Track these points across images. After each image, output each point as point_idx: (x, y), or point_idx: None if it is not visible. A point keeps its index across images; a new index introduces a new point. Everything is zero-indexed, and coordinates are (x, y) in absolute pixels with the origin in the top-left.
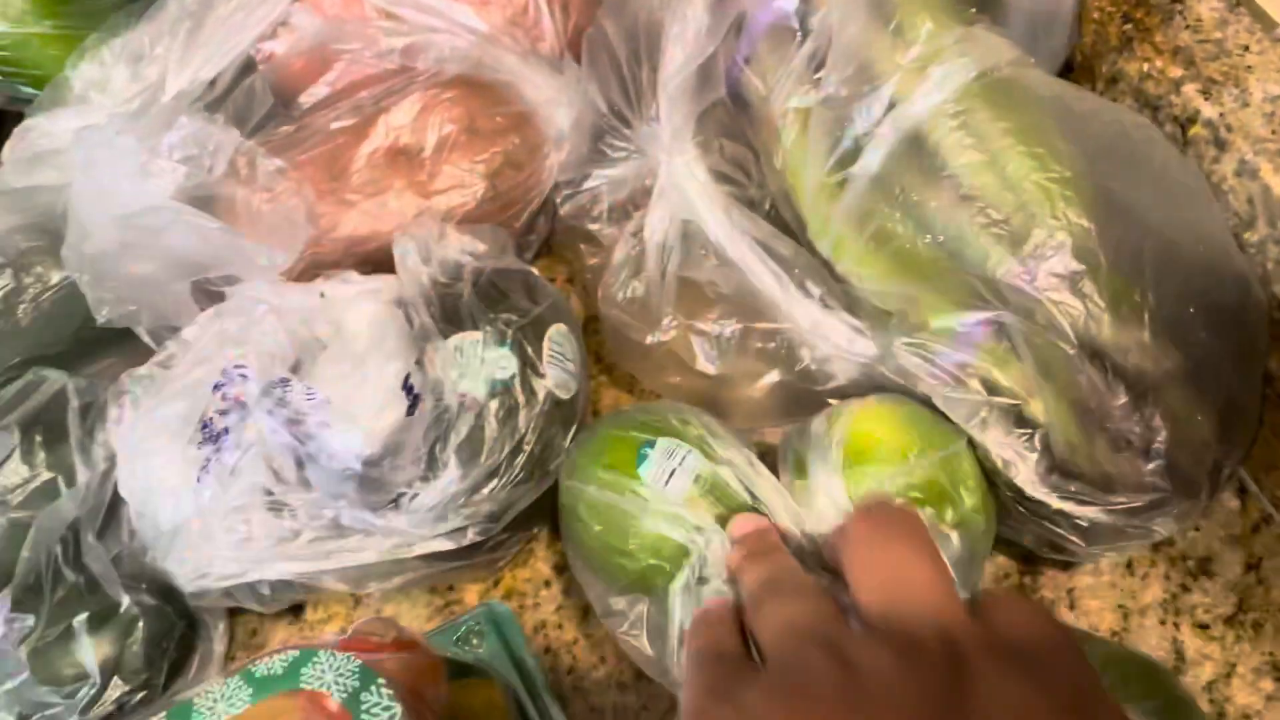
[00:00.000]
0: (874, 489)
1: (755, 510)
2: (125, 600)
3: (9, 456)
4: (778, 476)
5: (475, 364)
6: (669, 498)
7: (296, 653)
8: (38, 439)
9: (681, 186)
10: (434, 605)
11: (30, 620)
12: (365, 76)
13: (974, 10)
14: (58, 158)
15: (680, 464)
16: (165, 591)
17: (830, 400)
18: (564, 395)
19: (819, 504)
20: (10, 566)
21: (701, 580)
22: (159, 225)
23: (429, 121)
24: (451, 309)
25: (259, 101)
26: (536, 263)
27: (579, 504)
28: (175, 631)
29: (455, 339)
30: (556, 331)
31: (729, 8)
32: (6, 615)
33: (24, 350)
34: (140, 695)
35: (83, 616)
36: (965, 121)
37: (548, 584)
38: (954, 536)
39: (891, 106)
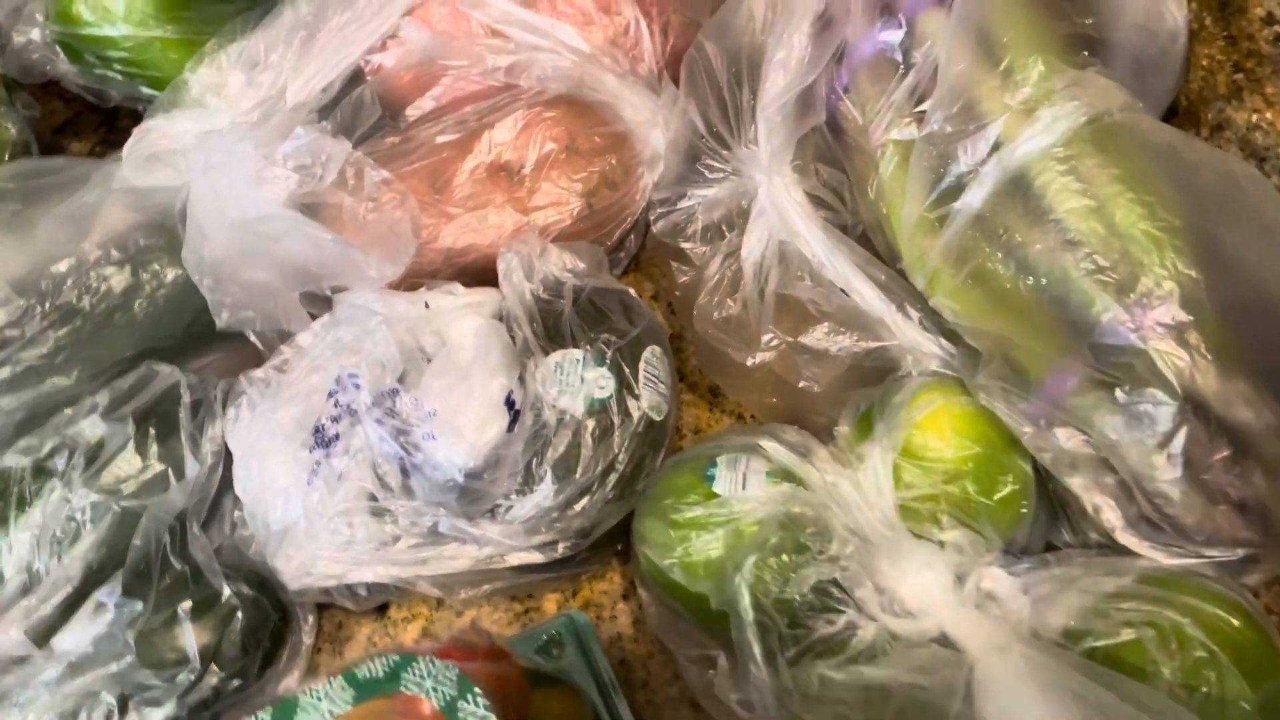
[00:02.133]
0: (916, 483)
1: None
2: (226, 591)
3: (124, 447)
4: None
5: (575, 381)
6: (754, 496)
7: (397, 657)
8: (151, 432)
9: (780, 207)
10: (513, 611)
11: (139, 605)
12: (470, 92)
13: (1085, 53)
14: (175, 158)
15: (748, 467)
16: (262, 584)
17: None
18: (656, 417)
19: (866, 473)
20: (121, 553)
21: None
22: (275, 233)
23: (531, 139)
24: (552, 325)
25: (367, 112)
26: (623, 278)
27: (659, 546)
28: (270, 623)
29: (556, 355)
30: (651, 353)
31: (832, 37)
32: (117, 600)
33: (138, 343)
34: (235, 682)
35: (186, 604)
36: (1074, 166)
37: (625, 597)
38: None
39: (997, 146)
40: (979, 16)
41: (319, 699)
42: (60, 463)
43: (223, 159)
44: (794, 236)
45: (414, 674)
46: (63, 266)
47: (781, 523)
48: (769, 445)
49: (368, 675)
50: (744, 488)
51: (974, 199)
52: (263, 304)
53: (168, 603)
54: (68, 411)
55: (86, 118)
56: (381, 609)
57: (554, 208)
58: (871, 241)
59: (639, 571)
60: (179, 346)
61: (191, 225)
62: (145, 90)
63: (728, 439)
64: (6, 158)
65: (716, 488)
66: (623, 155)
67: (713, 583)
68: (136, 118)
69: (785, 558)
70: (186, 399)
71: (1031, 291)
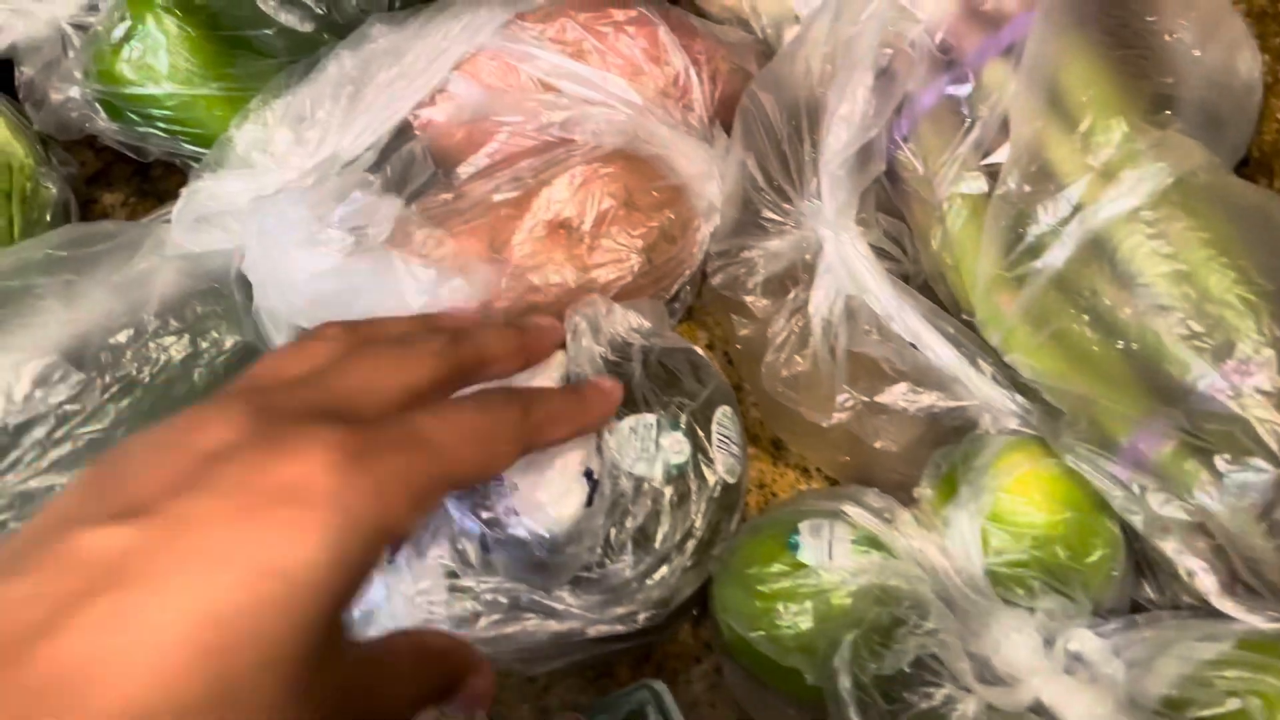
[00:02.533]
0: (1005, 548)
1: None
2: None
3: None
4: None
5: (651, 447)
6: (844, 567)
7: None
8: None
9: (848, 264)
10: (586, 677)
11: None
12: (524, 148)
13: (1166, 112)
14: (224, 219)
15: (832, 535)
16: None
17: None
18: (731, 480)
19: (953, 537)
20: None
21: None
22: (351, 288)
23: (589, 195)
24: (624, 389)
25: (419, 168)
26: (677, 328)
27: (744, 617)
28: None
29: (630, 420)
30: (723, 414)
31: (893, 89)
32: None
33: None
34: None
35: None
36: (1162, 229)
37: (698, 660)
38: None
39: (1079, 207)
40: (1049, 73)
41: None
42: None
43: (276, 223)
44: (863, 292)
45: None
46: (121, 338)
47: (877, 596)
48: (853, 511)
49: None
50: (831, 557)
51: (1055, 259)
52: None
53: None
54: None
55: (119, 168)
56: None
57: (614, 265)
58: (934, 291)
59: (721, 641)
60: None
61: (256, 287)
62: (187, 147)
63: (807, 503)
64: (49, 218)
65: (802, 557)
66: (680, 209)
67: (804, 656)
68: (170, 168)
69: (882, 633)
70: None
71: (1118, 354)
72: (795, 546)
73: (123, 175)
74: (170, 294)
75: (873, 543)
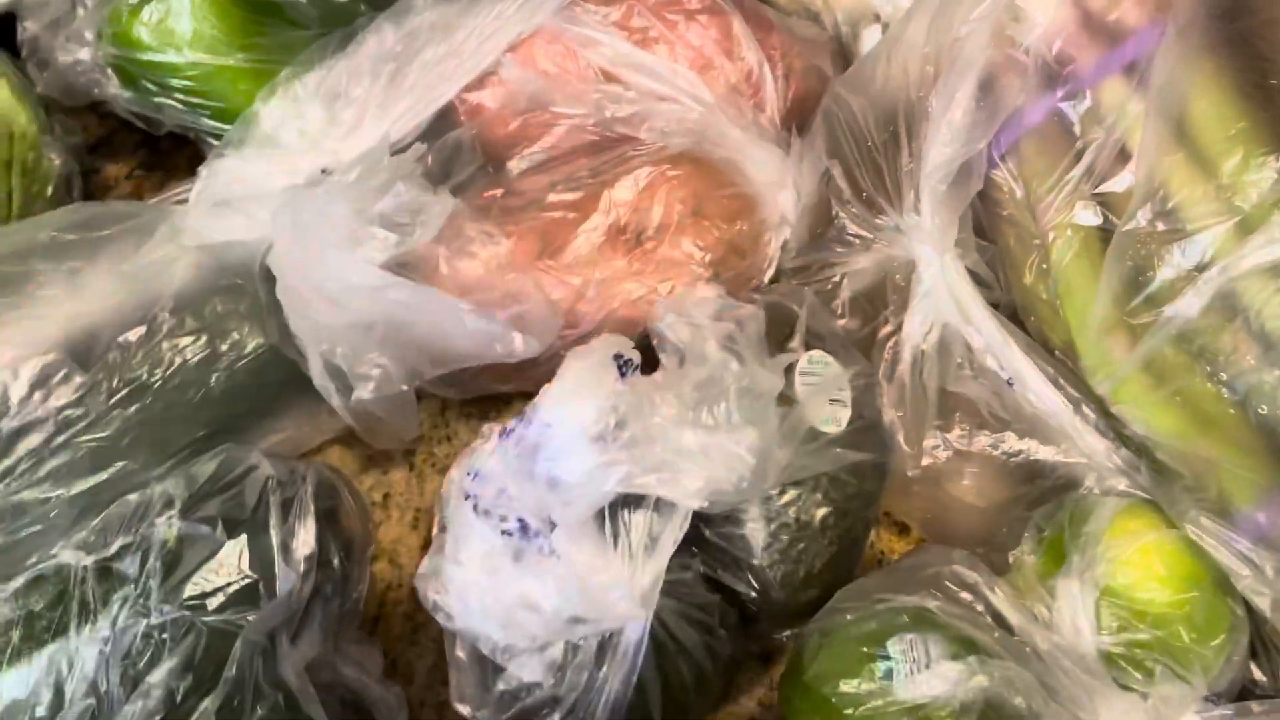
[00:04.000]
0: (1121, 626)
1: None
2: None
3: (209, 556)
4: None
5: None
6: (941, 682)
7: None
8: (239, 536)
9: (952, 288)
10: None
11: None
12: (584, 144)
13: None
14: (247, 204)
15: (927, 650)
16: (357, 705)
17: None
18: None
19: (1060, 610)
20: (206, 678)
21: None
22: (391, 319)
23: (655, 200)
24: None
25: (465, 159)
26: None
27: None
28: None
29: None
30: None
31: (1002, 100)
32: None
33: (211, 422)
34: None
35: None
36: None
37: None
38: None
39: (1218, 255)
40: (1180, 99)
41: None
42: (130, 566)
43: (313, 219)
44: (964, 321)
45: None
46: (131, 335)
47: (981, 713)
48: (942, 611)
49: None
50: (925, 672)
51: (1187, 309)
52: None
53: None
54: (131, 499)
55: (123, 136)
56: None
57: (678, 277)
58: (1023, 325)
59: None
60: (248, 423)
61: (289, 294)
62: (207, 121)
63: (886, 596)
64: (50, 192)
65: (897, 684)
66: (751, 220)
67: None
68: (179, 139)
69: None
70: (277, 498)
71: (1251, 419)
72: (890, 674)
73: (128, 144)
74: (187, 288)
75: (968, 645)
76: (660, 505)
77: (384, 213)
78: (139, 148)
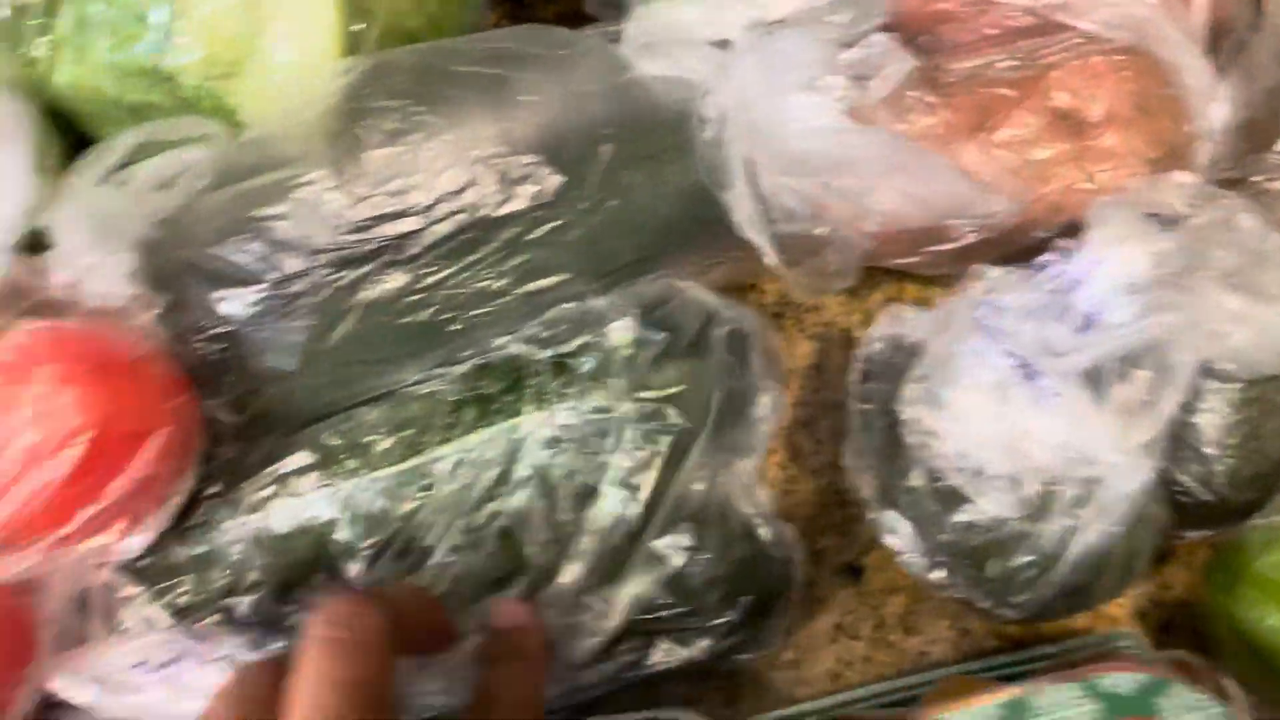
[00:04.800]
0: None
1: None
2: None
3: (660, 368)
4: None
5: None
6: None
7: (1145, 678)
8: (691, 357)
9: None
10: None
11: (706, 557)
12: (1022, 27)
13: None
14: (676, 49)
15: None
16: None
17: None
18: None
19: None
20: (673, 499)
21: None
22: (849, 160)
23: (1102, 89)
24: None
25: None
26: None
27: None
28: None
29: None
30: None
31: None
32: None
33: (641, 249)
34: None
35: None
36: None
37: None
38: None
39: None
40: None
41: (1055, 705)
42: (587, 364)
43: (778, 60)
44: None
45: (1169, 701)
46: (603, 151)
47: None
48: None
49: (1111, 689)
50: None
51: None
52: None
53: (721, 554)
54: (575, 306)
55: None
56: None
57: (1115, 170)
58: None
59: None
60: (671, 257)
61: (737, 132)
62: None
63: None
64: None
65: None
66: (1188, 125)
67: None
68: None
69: None
70: (719, 329)
71: None
72: None
73: None
74: (627, 118)
75: None
76: (1168, 365)
77: (850, 61)
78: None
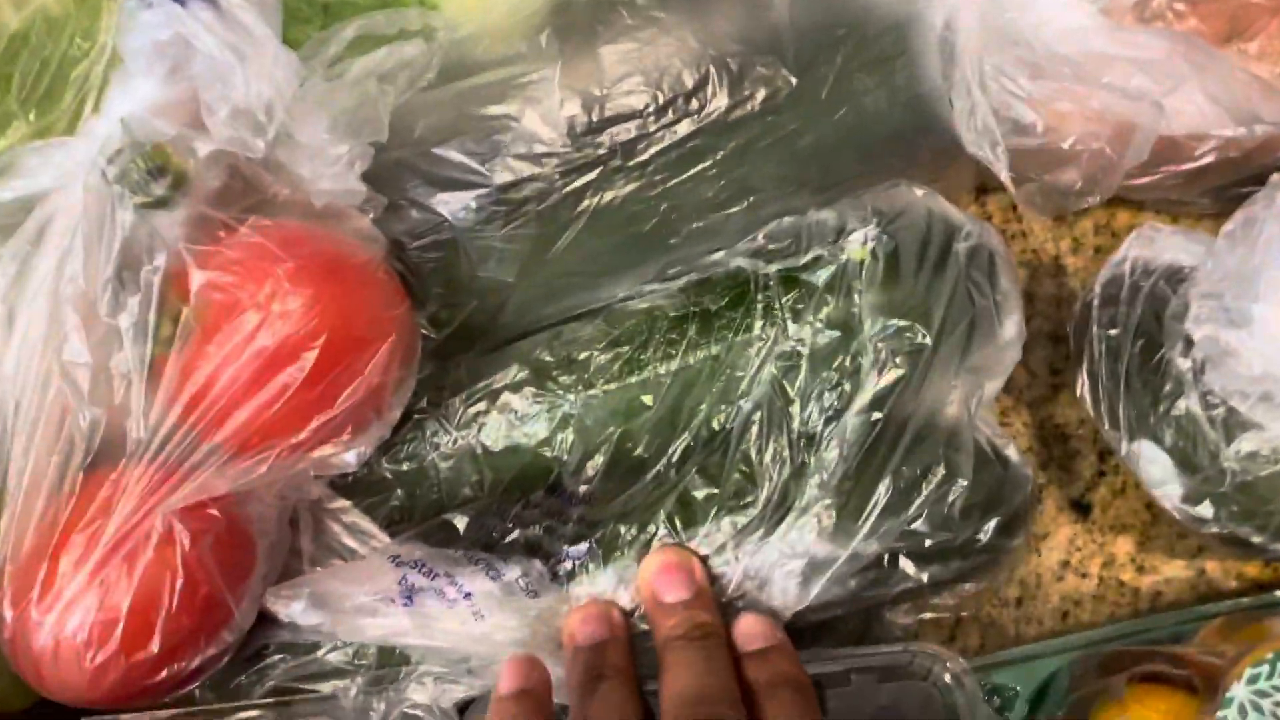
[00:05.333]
0: None
1: None
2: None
3: (896, 284)
4: None
5: None
6: None
7: None
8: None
9: None
10: None
11: (962, 483)
12: None
13: None
14: None
15: None
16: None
17: None
18: None
19: None
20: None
21: None
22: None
23: None
24: None
25: None
26: None
27: None
28: None
29: None
30: None
31: None
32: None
33: (861, 161)
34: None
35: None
36: None
37: None
38: None
39: None
40: None
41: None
42: (821, 278)
43: None
44: None
45: None
46: (837, 56)
47: None
48: None
49: None
50: None
51: None
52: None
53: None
54: (795, 219)
55: None
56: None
57: None
58: None
59: None
60: (888, 169)
61: (971, 40)
62: None
63: None
64: None
65: None
66: None
67: None
68: None
69: None
70: (963, 243)
71: None
72: None
73: None
74: (862, 18)
75: None
76: None
77: None
78: None
